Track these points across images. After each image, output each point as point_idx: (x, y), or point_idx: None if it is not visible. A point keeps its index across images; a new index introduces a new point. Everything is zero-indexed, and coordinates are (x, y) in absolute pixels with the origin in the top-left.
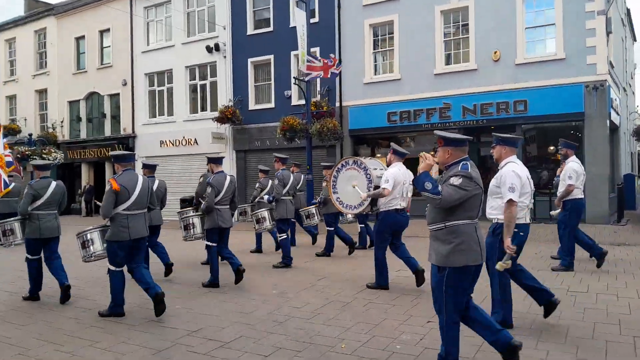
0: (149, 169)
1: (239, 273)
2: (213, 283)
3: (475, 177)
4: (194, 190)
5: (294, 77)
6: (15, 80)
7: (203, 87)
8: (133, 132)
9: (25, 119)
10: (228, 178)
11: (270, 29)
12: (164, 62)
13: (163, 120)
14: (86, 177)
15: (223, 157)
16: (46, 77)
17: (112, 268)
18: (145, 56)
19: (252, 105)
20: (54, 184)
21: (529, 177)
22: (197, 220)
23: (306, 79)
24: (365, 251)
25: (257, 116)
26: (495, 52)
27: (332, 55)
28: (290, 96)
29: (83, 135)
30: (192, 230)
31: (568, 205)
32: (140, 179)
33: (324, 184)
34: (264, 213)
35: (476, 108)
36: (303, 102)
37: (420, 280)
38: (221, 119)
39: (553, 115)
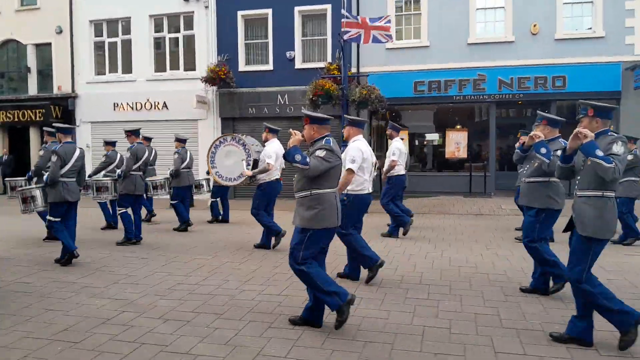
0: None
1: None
2: (68, 259)
3: (336, 150)
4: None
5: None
6: None
7: (174, 41)
8: (73, 91)
9: None
10: (77, 150)
11: None
12: (117, 8)
13: (116, 79)
14: (0, 146)
15: (73, 128)
16: None
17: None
18: None
19: (242, 67)
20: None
21: (372, 154)
22: (37, 193)
23: (345, 37)
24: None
25: (249, 79)
26: (534, 25)
27: (387, 17)
28: (294, 58)
29: None
30: (32, 204)
31: (392, 180)
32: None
33: (175, 155)
34: (107, 183)
35: (513, 81)
36: (309, 65)
37: (278, 242)
38: (211, 80)
39: (590, 92)
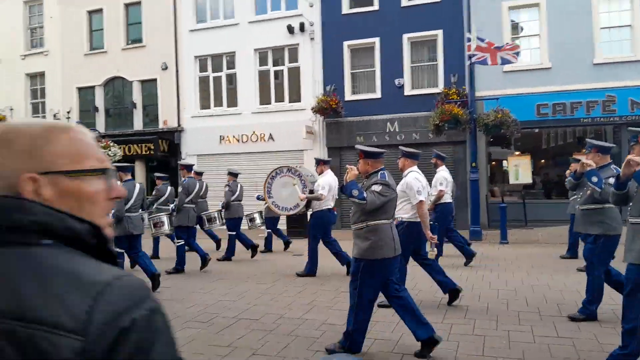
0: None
1: (154, 278)
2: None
3: (392, 184)
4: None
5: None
6: None
7: (278, 73)
8: (179, 125)
9: (12, 109)
10: (137, 185)
11: (375, 7)
12: (222, 43)
13: (221, 112)
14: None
15: (132, 166)
16: (43, 57)
17: None
18: (194, 35)
19: (348, 96)
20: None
21: (427, 184)
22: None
23: (472, 60)
24: (269, 254)
25: (356, 108)
26: None
27: (507, 43)
28: (403, 85)
29: (100, 129)
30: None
31: (438, 209)
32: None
33: (226, 188)
34: (163, 217)
35: None
36: (419, 92)
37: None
38: (322, 110)
39: None
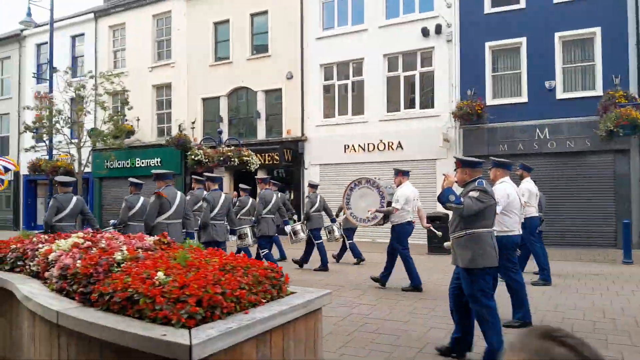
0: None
1: None
2: None
3: (490, 191)
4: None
5: None
6: (124, 73)
7: (408, 79)
8: (302, 134)
9: (138, 119)
10: (223, 196)
11: (522, 5)
12: (350, 50)
13: (346, 121)
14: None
15: (221, 177)
16: (170, 69)
17: None
18: (321, 43)
19: (489, 100)
20: (74, 198)
21: (519, 195)
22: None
23: None
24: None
25: (498, 113)
26: None
27: None
28: (554, 88)
29: (224, 138)
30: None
31: (526, 224)
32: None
33: (306, 200)
34: (246, 229)
35: None
36: (573, 95)
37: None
38: (467, 115)
39: None
